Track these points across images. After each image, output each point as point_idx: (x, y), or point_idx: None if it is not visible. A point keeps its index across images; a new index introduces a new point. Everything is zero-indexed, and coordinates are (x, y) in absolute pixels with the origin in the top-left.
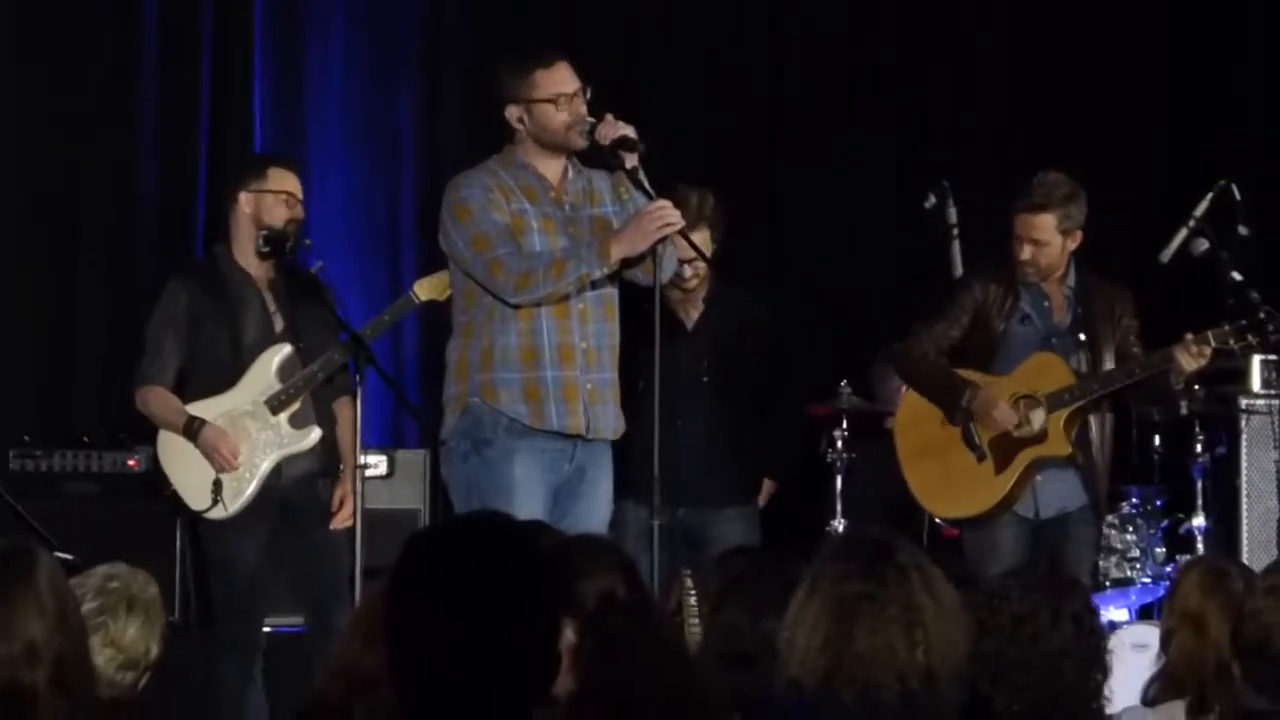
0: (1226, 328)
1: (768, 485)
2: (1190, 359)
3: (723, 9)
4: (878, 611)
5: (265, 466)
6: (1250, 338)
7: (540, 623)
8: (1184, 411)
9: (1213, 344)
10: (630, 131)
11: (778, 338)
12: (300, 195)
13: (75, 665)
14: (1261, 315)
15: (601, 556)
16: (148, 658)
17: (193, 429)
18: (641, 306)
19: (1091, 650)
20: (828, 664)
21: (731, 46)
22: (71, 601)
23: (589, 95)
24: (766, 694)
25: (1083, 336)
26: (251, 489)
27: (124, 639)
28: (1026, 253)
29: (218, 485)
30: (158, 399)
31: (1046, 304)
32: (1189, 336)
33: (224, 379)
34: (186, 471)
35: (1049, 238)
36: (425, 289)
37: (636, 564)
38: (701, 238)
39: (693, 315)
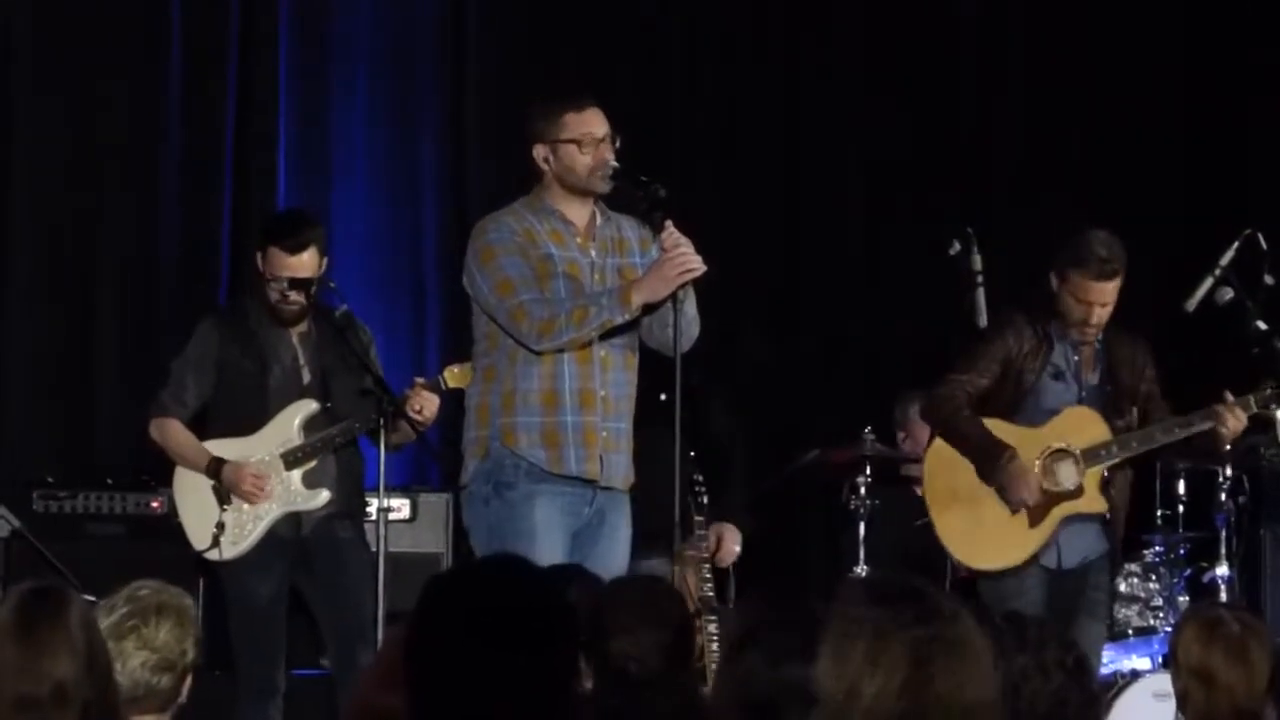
0: (1269, 391)
1: (728, 534)
2: (1236, 420)
3: (743, 55)
4: (948, 651)
5: (269, 519)
6: None
7: (557, 665)
8: (1227, 464)
9: (1254, 409)
10: (695, 261)
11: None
12: (298, 274)
13: (102, 710)
14: None
15: (660, 605)
16: (184, 660)
17: (214, 469)
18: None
19: (1087, 698)
20: (905, 708)
21: (752, 90)
22: (100, 644)
23: (618, 144)
24: None
25: (1109, 389)
26: (252, 539)
27: (156, 640)
28: (1096, 317)
29: (220, 528)
30: (174, 432)
31: (1077, 358)
32: (1230, 399)
33: (246, 423)
34: (195, 510)
35: (1114, 300)
36: (454, 378)
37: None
38: None
39: None
